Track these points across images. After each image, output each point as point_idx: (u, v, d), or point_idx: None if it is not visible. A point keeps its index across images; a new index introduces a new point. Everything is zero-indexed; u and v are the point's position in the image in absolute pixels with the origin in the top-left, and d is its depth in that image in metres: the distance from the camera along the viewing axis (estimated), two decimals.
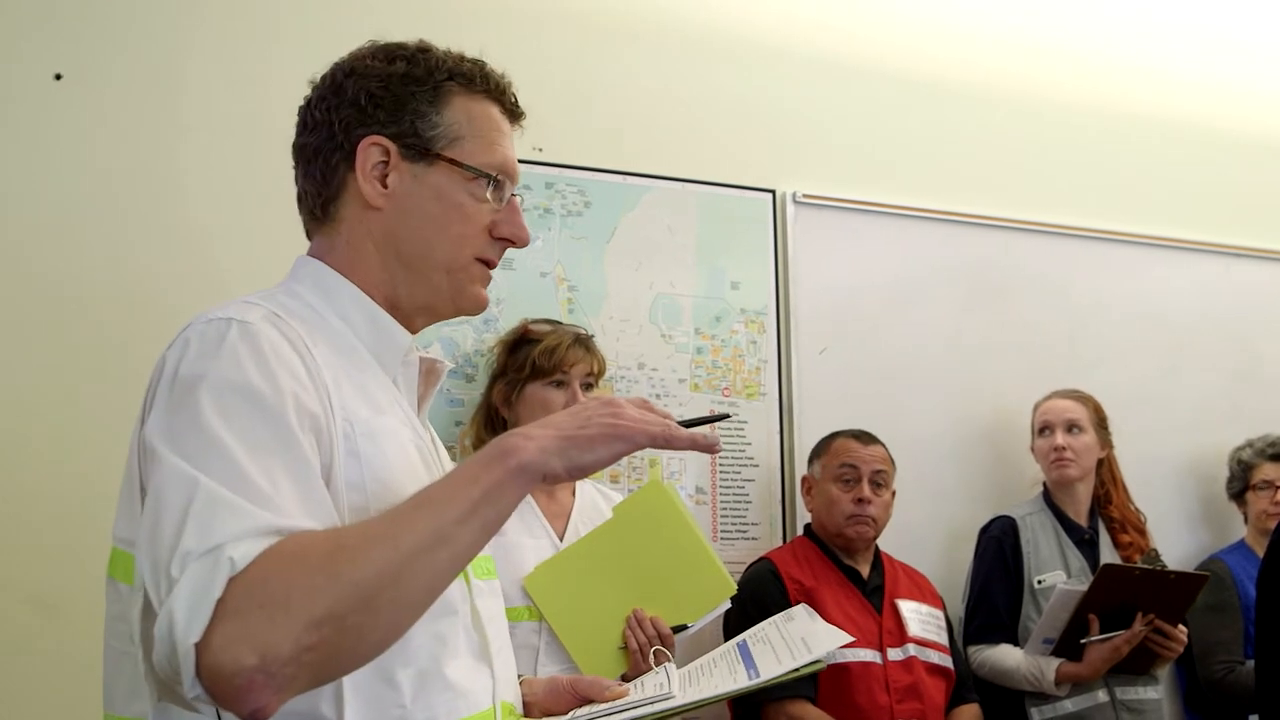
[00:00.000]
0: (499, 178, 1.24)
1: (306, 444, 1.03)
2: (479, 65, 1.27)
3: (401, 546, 0.95)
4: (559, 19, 2.98)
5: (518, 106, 1.30)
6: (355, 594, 0.92)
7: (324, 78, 1.26)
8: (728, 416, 1.22)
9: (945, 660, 2.74)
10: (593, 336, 2.62)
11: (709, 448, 1.15)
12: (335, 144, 1.22)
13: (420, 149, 1.21)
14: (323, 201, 1.23)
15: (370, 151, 1.21)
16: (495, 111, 1.27)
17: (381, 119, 1.21)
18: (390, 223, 1.21)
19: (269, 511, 0.95)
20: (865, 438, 2.83)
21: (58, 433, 2.38)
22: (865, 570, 2.79)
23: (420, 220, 1.21)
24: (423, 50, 1.25)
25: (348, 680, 1.03)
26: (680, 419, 1.14)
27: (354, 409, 1.11)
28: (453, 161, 1.22)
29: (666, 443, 1.10)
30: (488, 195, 1.23)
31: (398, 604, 0.96)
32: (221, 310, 1.09)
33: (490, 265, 1.26)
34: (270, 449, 0.99)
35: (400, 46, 1.25)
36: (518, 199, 1.28)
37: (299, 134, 1.26)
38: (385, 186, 1.21)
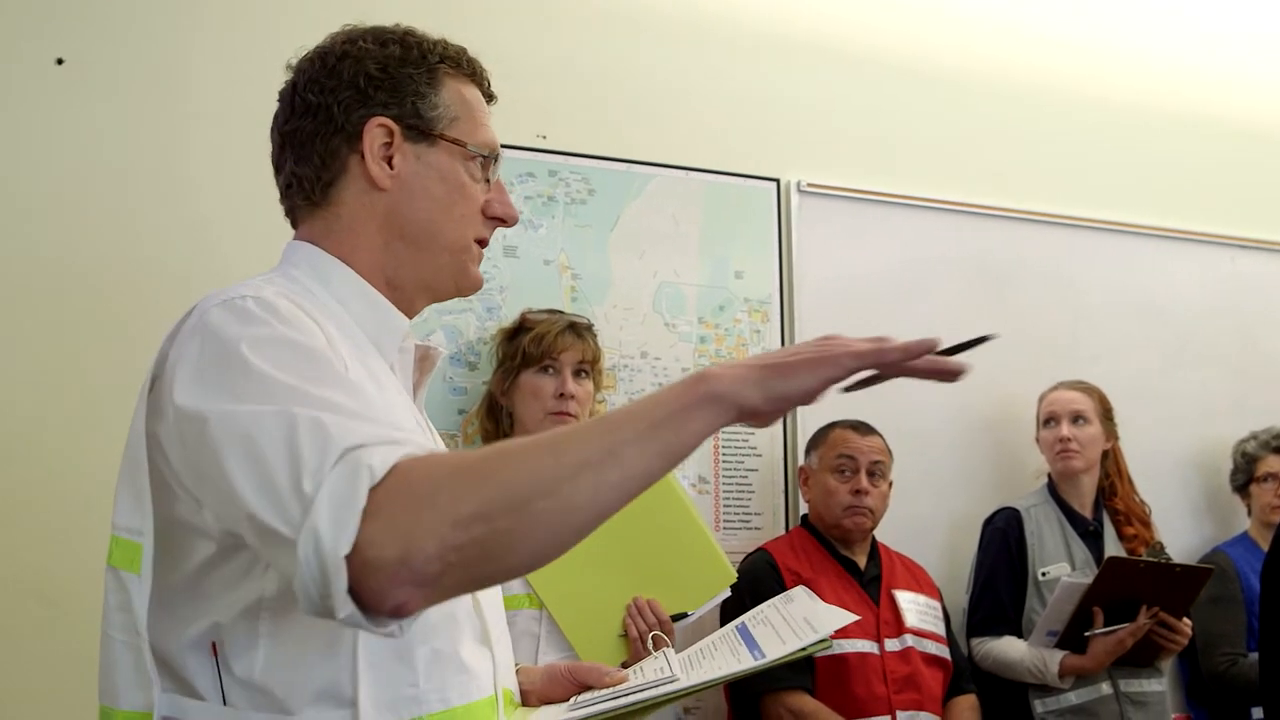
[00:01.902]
0: (491, 157, 1.26)
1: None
2: (462, 49, 1.28)
3: (564, 458, 0.91)
4: (563, 8, 2.97)
5: (490, 88, 1.32)
6: (505, 496, 0.89)
7: (309, 61, 1.25)
8: (989, 339, 1.04)
9: (942, 651, 2.73)
10: (590, 325, 2.62)
11: (946, 372, 1.02)
12: (335, 127, 1.21)
13: (422, 130, 1.22)
14: (322, 185, 1.22)
15: (376, 133, 1.20)
16: (478, 93, 1.28)
17: (383, 100, 1.21)
18: (395, 203, 1.22)
19: (375, 424, 0.93)
20: (863, 428, 2.82)
21: (59, 422, 2.37)
22: (862, 561, 2.78)
23: (426, 200, 1.22)
24: (410, 34, 1.26)
25: (363, 656, 1.04)
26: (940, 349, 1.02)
27: (365, 385, 1.10)
28: (455, 141, 1.23)
29: (877, 359, 1.00)
30: (481, 175, 1.25)
31: (554, 516, 0.90)
32: (233, 291, 1.08)
33: (484, 245, 1.27)
34: (332, 383, 0.98)
35: (386, 30, 1.26)
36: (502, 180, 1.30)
37: (286, 119, 1.24)
38: (391, 167, 1.21)
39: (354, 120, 1.21)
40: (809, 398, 0.99)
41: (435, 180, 1.22)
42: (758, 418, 0.99)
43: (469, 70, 1.27)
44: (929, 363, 1.01)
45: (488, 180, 1.26)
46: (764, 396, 0.97)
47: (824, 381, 0.98)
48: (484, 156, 1.25)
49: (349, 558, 0.86)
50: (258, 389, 0.96)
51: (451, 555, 0.87)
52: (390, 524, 0.86)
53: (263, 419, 0.93)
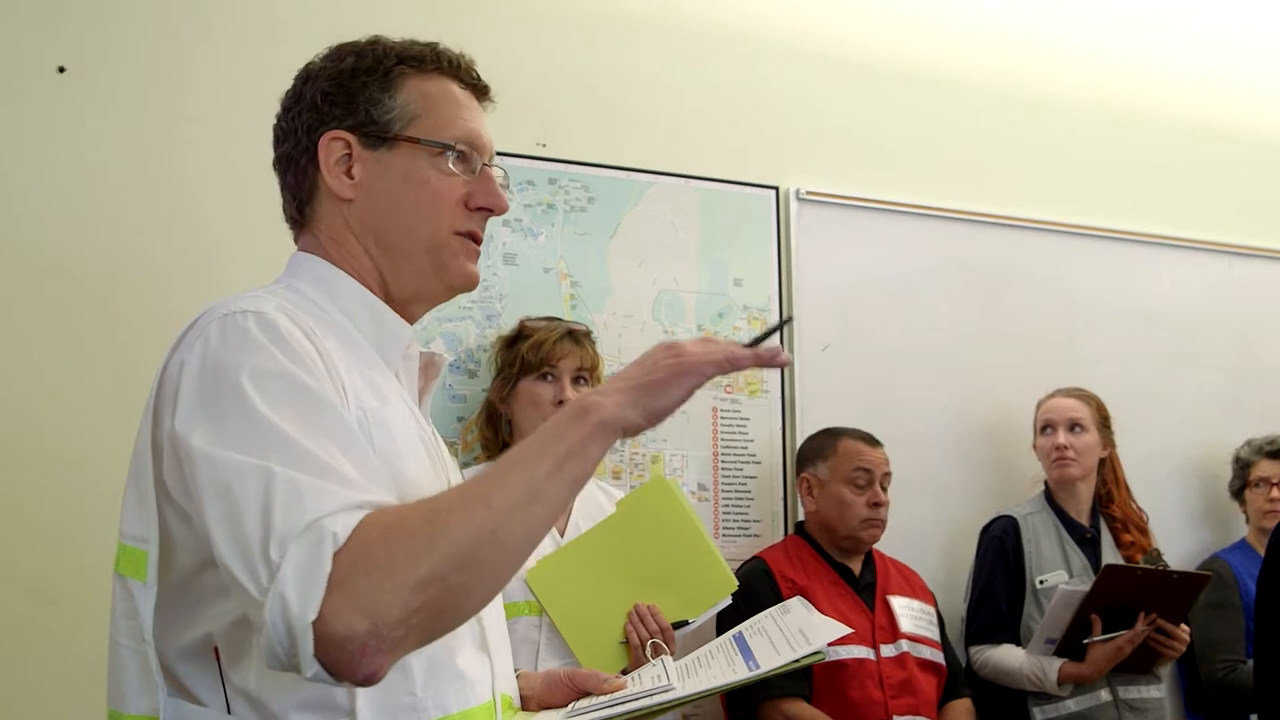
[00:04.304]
0: (461, 148, 1.24)
1: (352, 422, 1.05)
2: (431, 46, 1.27)
3: (495, 505, 0.98)
4: (563, 15, 2.98)
5: (479, 81, 1.30)
6: (456, 554, 0.95)
7: (287, 92, 1.28)
8: (789, 321, 1.23)
9: (937, 656, 2.74)
10: (589, 332, 2.62)
11: (773, 360, 1.14)
12: (301, 148, 1.24)
13: (378, 134, 1.22)
14: (298, 205, 1.26)
15: (331, 146, 1.22)
16: (454, 87, 1.27)
17: (338, 114, 1.23)
18: (364, 211, 1.23)
19: (348, 488, 0.96)
20: (870, 439, 2.83)
21: (59, 424, 2.38)
22: (857, 568, 2.79)
23: (391, 203, 1.22)
24: (372, 43, 1.26)
25: None
26: (742, 342, 1.15)
27: (365, 399, 1.12)
28: (410, 139, 1.22)
29: (732, 365, 1.12)
30: (454, 168, 1.23)
31: (497, 560, 0.99)
32: (234, 304, 1.09)
33: (474, 239, 1.26)
34: (324, 431, 1.00)
35: (351, 44, 1.27)
36: (495, 170, 1.27)
37: (275, 148, 1.28)
38: (351, 177, 1.22)
39: (313, 138, 1.23)
40: (678, 406, 1.10)
41: (397, 182, 1.22)
42: (638, 433, 1.10)
43: (435, 65, 1.26)
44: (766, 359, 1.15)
45: (469, 172, 1.24)
46: (643, 414, 1.08)
47: (689, 390, 1.10)
48: (451, 148, 1.23)
49: (315, 624, 0.89)
50: (247, 432, 0.98)
51: (413, 618, 0.93)
52: (355, 596, 0.91)
53: (244, 472, 0.96)
